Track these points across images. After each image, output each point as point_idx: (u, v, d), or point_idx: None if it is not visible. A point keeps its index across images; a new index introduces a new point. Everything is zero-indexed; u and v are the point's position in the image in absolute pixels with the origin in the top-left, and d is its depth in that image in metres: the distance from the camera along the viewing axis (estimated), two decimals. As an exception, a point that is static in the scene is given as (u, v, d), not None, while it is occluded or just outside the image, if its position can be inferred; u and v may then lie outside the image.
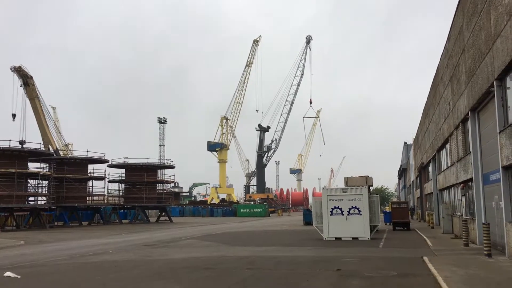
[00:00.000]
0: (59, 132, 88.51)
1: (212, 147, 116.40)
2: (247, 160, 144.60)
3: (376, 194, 28.76)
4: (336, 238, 24.96)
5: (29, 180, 46.33)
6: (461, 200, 24.86)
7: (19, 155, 42.82)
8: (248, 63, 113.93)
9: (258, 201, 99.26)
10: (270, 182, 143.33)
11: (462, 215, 24.31)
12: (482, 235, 17.04)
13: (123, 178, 57.07)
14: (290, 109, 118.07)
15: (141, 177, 54.92)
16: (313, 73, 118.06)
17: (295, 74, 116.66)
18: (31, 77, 64.75)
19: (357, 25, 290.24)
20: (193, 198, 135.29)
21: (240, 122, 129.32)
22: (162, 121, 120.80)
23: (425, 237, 25.81)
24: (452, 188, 27.80)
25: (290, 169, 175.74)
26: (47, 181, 46.94)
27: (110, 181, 57.45)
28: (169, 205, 65.14)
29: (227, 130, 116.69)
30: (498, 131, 15.36)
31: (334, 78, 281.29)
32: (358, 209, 25.06)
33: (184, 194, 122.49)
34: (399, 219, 34.05)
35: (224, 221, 57.78)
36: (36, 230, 40.67)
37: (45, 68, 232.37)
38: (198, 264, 16.03)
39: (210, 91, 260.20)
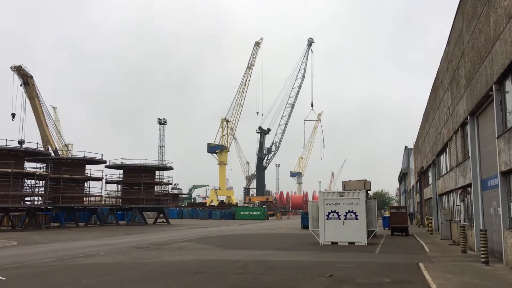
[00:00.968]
0: (59, 132, 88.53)
1: (212, 149, 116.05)
2: (248, 163, 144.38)
3: (374, 199, 28.42)
4: (332, 242, 24.58)
5: (25, 180, 46.05)
6: (459, 205, 24.50)
7: (16, 155, 42.55)
8: (249, 65, 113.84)
9: (257, 204, 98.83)
10: (270, 185, 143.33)
11: (460, 221, 23.95)
12: (479, 241, 16.69)
13: (121, 179, 56.77)
14: (291, 112, 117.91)
15: (139, 178, 54.60)
16: (315, 75, 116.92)
17: (296, 76, 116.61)
18: (31, 77, 64.59)
19: (363, 28, 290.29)
20: (192, 200, 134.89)
21: (241, 124, 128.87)
22: (162, 122, 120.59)
23: (423, 243, 25.43)
24: (451, 193, 27.44)
25: (291, 172, 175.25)
26: (43, 181, 46.67)
27: (108, 182, 57.21)
28: (167, 206, 64.79)
29: (227, 132, 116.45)
30: (496, 136, 15.04)
31: (337, 81, 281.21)
32: (355, 213, 24.68)
33: (183, 196, 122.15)
34: (398, 224, 33.44)
35: (222, 224, 57.43)
36: (31, 231, 40.40)
37: (46, 68, 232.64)
38: (189, 267, 15.71)
39: (211, 93, 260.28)
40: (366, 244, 24.17)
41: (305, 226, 40.55)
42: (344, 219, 24.69)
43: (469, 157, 19.80)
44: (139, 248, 23.81)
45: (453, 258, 17.95)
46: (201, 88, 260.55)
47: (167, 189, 69.83)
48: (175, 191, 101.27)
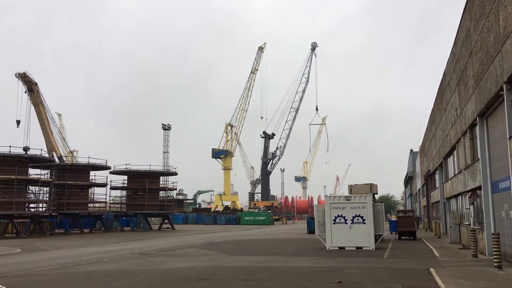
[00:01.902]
0: (64, 139, 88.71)
1: (217, 154, 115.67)
2: (252, 168, 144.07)
3: (381, 202, 27.92)
4: (339, 247, 24.14)
5: (30, 187, 45.91)
6: (469, 208, 24.01)
7: (20, 161, 42.39)
8: (253, 69, 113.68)
9: (262, 209, 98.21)
10: (275, 189, 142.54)
11: (470, 224, 23.45)
12: (491, 245, 16.24)
13: (125, 185, 56.56)
14: (295, 116, 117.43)
15: (143, 184, 54.34)
16: (319, 79, 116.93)
17: (300, 81, 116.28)
18: (36, 83, 64.81)
19: (371, 32, 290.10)
20: (197, 205, 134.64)
21: (245, 129, 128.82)
22: (166, 128, 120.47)
23: (431, 247, 24.93)
24: (460, 196, 26.95)
25: (295, 176, 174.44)
26: (48, 188, 46.50)
27: (112, 188, 56.97)
28: (172, 212, 64.45)
29: (231, 137, 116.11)
30: (508, 137, 14.63)
31: (344, 86, 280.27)
32: (362, 217, 24.26)
33: (188, 201, 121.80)
34: (405, 228, 32.92)
35: (227, 229, 57.01)
36: (36, 238, 40.15)
37: (54, 73, 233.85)
38: (193, 274, 15.35)
39: (215, 98, 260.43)
40: (374, 248, 23.71)
41: (311, 230, 40.10)
42: (351, 223, 24.27)
43: (478, 159, 19.37)
44: (143, 254, 23.48)
45: (464, 263, 17.48)
46: (206, 93, 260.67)
47: (171, 194, 69.54)
48: (180, 197, 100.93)
